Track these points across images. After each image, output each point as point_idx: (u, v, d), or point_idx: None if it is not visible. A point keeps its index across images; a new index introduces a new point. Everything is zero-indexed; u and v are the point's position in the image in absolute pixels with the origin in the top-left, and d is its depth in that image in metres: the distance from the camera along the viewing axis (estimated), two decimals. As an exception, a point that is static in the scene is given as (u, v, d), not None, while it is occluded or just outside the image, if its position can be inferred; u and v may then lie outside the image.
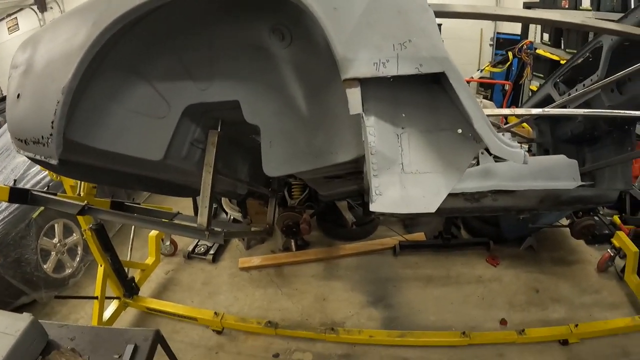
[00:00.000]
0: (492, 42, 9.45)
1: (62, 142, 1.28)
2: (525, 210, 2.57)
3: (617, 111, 2.11)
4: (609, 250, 3.94)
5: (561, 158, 2.60)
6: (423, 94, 1.24)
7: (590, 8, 5.44)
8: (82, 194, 2.93)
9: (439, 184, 1.20)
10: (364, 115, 1.15)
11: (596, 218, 3.45)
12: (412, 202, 1.18)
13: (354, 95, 1.08)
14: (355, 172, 1.82)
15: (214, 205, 3.50)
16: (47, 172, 3.83)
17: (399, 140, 1.20)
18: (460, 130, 1.21)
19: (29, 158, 1.47)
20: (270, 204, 2.84)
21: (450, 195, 1.21)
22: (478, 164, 2.43)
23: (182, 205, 4.16)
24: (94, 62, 1.26)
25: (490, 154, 2.32)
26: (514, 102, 7.32)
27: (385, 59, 1.07)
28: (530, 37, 7.12)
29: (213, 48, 1.55)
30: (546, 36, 6.58)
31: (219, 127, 1.81)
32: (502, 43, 8.85)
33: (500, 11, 1.64)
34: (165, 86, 1.58)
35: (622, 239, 3.76)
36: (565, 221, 3.78)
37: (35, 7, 10.25)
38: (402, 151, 1.19)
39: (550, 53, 6.29)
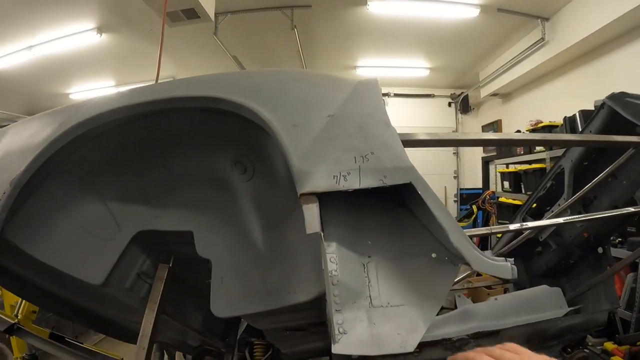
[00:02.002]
0: (456, 199, 10.10)
1: None
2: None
3: (611, 211, 2.08)
4: (608, 379, 3.63)
5: (543, 288, 2.47)
6: (389, 219, 1.15)
7: (544, 149, 5.92)
8: (20, 315, 2.71)
9: (415, 318, 1.03)
10: (323, 239, 1.03)
11: (586, 350, 3.25)
12: (385, 341, 0.99)
13: (311, 212, 0.98)
14: (319, 324, 1.64)
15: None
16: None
17: (365, 269, 1.06)
18: (434, 255, 1.09)
19: None
20: (226, 362, 2.51)
21: (427, 345, 1.04)
22: (456, 307, 2.25)
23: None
24: (50, 162, 1.22)
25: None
26: (483, 250, 7.47)
27: (346, 171, 1.01)
28: (492, 188, 7.57)
29: (172, 175, 1.49)
30: (506, 184, 6.99)
31: (171, 263, 1.66)
32: (465, 198, 9.55)
33: (468, 136, 1.64)
34: (119, 207, 1.48)
35: (619, 363, 3.50)
36: (555, 364, 3.50)
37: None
38: (369, 282, 1.04)
39: (512, 199, 6.67)
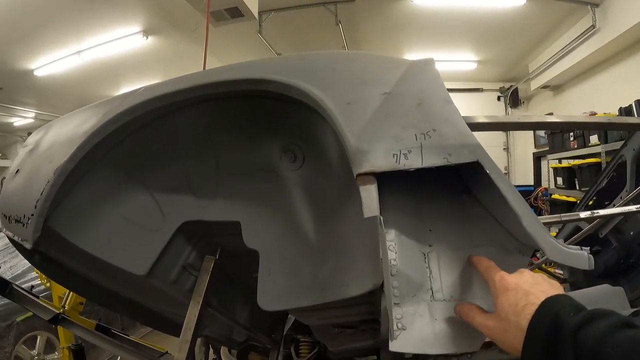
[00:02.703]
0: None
1: (42, 227, 1.17)
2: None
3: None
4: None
5: (605, 287, 2.30)
6: (451, 206, 1.06)
7: (599, 142, 5.66)
8: (67, 306, 2.77)
9: None
10: (382, 225, 0.94)
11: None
12: (448, 339, 0.91)
13: (369, 193, 0.88)
14: (370, 321, 1.56)
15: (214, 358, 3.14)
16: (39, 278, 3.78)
17: (426, 260, 0.97)
18: (501, 245, 0.99)
19: (9, 238, 1.41)
20: (271, 358, 2.45)
21: (483, 345, 0.94)
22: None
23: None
24: (95, 152, 1.21)
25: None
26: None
27: (406, 149, 0.91)
28: (544, 184, 7.27)
29: (219, 165, 1.46)
30: (560, 180, 6.68)
31: (218, 255, 1.62)
32: (516, 196, 9.13)
33: (528, 119, 1.52)
34: (165, 197, 1.46)
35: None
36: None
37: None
38: (430, 273, 0.96)
39: (566, 196, 6.41)
